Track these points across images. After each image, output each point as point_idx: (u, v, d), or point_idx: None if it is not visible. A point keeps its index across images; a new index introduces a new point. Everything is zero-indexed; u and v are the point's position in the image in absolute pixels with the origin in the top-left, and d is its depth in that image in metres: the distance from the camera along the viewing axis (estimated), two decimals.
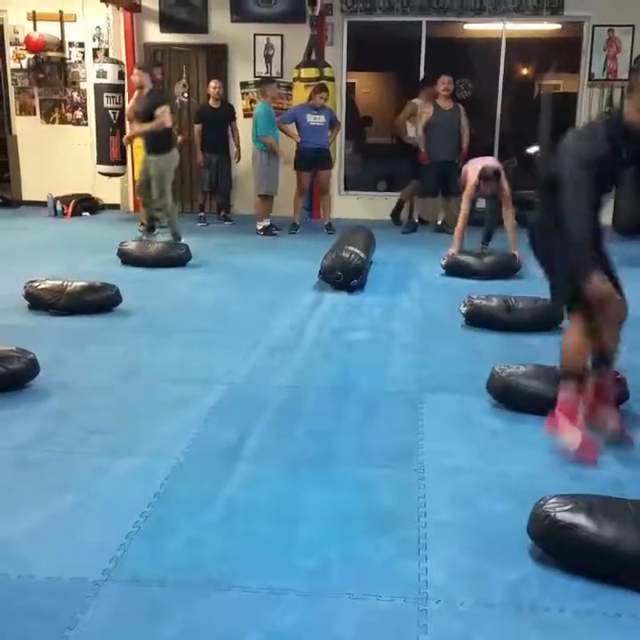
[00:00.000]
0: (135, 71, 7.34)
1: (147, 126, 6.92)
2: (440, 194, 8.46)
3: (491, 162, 6.59)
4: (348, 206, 9.13)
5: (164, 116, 6.85)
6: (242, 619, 2.08)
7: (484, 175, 6.16)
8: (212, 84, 8.52)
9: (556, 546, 2.32)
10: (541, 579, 2.27)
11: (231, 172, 8.88)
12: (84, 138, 9.43)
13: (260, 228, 8.18)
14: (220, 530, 2.51)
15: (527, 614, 2.12)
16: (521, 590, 2.22)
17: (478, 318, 4.81)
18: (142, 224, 8.07)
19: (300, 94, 8.47)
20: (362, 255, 5.88)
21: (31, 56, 9.32)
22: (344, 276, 5.70)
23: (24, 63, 9.43)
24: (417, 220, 8.79)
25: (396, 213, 9.03)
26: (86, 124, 9.48)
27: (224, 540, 2.45)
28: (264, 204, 8.20)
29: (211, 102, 8.56)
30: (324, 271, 5.79)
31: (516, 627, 2.07)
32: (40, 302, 4.98)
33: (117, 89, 8.74)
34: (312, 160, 8.20)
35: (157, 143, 6.97)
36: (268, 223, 8.20)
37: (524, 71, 12.05)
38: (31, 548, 2.38)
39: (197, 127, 8.55)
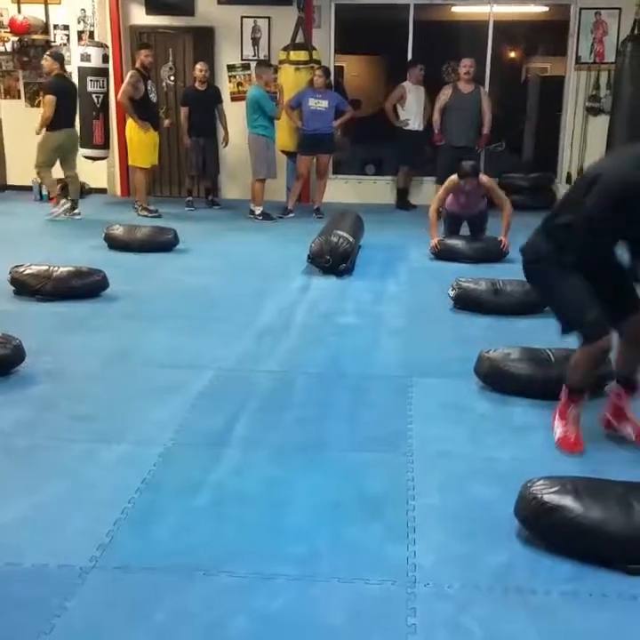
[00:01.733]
0: (45, 57, 7.97)
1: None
2: None
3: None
4: (337, 190, 9.08)
5: (46, 105, 7.73)
6: (230, 603, 2.08)
7: (462, 170, 6.08)
8: (199, 66, 8.44)
9: (543, 527, 2.33)
10: (529, 561, 2.29)
11: (219, 155, 8.81)
12: None
13: (258, 212, 8.09)
14: (209, 516, 2.51)
15: (514, 596, 2.14)
16: (508, 573, 2.23)
17: (466, 302, 4.82)
18: (143, 208, 8.07)
19: (289, 77, 8.38)
20: (350, 239, 5.86)
21: (15, 39, 9.18)
22: (332, 261, 5.69)
23: (8, 46, 9.28)
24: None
25: (400, 200, 8.99)
26: None
27: (212, 526, 2.45)
28: (263, 188, 8.13)
29: (197, 85, 8.47)
30: (313, 255, 5.77)
31: (503, 609, 2.08)
32: (26, 288, 4.94)
33: (101, 73, 8.61)
34: (313, 145, 8.12)
35: (50, 122, 7.74)
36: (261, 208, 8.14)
37: (512, 54, 12.01)
38: (18, 536, 2.37)
39: (184, 110, 8.46)
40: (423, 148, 8.55)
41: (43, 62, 8.03)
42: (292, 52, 8.42)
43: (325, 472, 2.82)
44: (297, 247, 6.21)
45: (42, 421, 3.20)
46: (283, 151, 8.49)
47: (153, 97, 8.11)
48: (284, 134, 8.32)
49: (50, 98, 7.66)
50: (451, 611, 2.06)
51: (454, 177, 6.13)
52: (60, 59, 7.93)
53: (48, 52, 8.13)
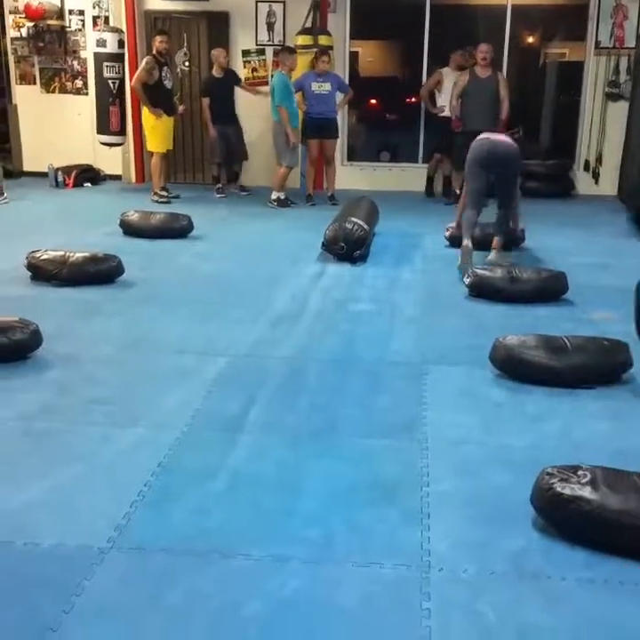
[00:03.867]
0: None
1: None
2: None
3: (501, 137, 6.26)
4: (352, 177, 9.06)
5: None
6: (246, 586, 2.10)
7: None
8: (215, 52, 8.40)
9: (559, 518, 2.32)
10: (544, 548, 2.29)
11: (244, 141, 8.70)
12: (85, 107, 9.34)
13: (274, 198, 8.08)
14: (224, 500, 2.53)
15: (529, 582, 2.14)
16: (523, 559, 2.23)
17: (482, 289, 4.79)
18: (154, 193, 8.10)
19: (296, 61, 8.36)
20: (365, 226, 5.85)
21: (31, 24, 9.20)
22: (347, 248, 5.68)
23: (23, 31, 9.30)
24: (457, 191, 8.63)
25: (428, 188, 8.95)
26: (87, 94, 9.37)
27: (228, 510, 2.47)
28: (285, 175, 8.12)
29: (215, 72, 8.43)
30: (327, 242, 5.76)
31: (518, 594, 2.08)
32: (42, 273, 4.97)
33: (117, 58, 8.63)
34: (317, 128, 8.12)
35: None
36: (284, 196, 8.12)
37: (530, 39, 11.88)
38: (37, 517, 2.40)
39: (205, 101, 8.44)
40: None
41: None
42: (299, 37, 8.41)
43: (340, 457, 2.83)
44: (312, 234, 6.20)
45: (59, 405, 3.23)
46: None
47: (167, 83, 8.10)
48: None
49: None
50: (465, 595, 2.07)
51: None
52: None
53: None
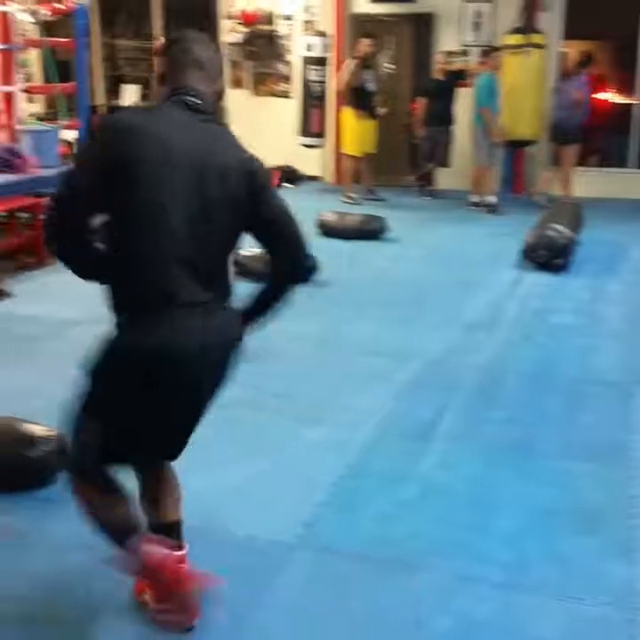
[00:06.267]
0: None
1: None
2: None
3: None
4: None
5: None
6: (432, 601, 2.02)
7: None
8: (436, 57, 8.34)
9: None
10: None
11: (450, 146, 8.48)
12: (289, 110, 9.66)
13: (490, 201, 7.85)
14: (413, 508, 2.46)
15: None
16: None
17: None
18: (345, 194, 8.22)
19: (504, 62, 8.08)
20: (568, 234, 5.53)
21: (245, 30, 9.64)
22: (548, 256, 5.40)
23: (238, 37, 9.77)
24: None
25: None
26: (291, 97, 9.69)
27: (416, 520, 2.40)
28: (485, 177, 7.91)
29: (437, 75, 8.37)
30: (527, 249, 5.52)
31: None
32: (247, 271, 5.14)
33: (321, 62, 8.83)
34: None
35: None
36: (495, 200, 7.87)
37: None
38: (231, 505, 2.46)
39: (422, 101, 8.42)
40: None
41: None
42: (511, 36, 8.13)
43: (535, 477, 2.67)
44: (511, 240, 5.96)
45: (251, 397, 3.30)
46: (513, 141, 8.14)
47: (369, 86, 8.15)
48: (523, 121, 8.01)
49: None
50: None
51: None
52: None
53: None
